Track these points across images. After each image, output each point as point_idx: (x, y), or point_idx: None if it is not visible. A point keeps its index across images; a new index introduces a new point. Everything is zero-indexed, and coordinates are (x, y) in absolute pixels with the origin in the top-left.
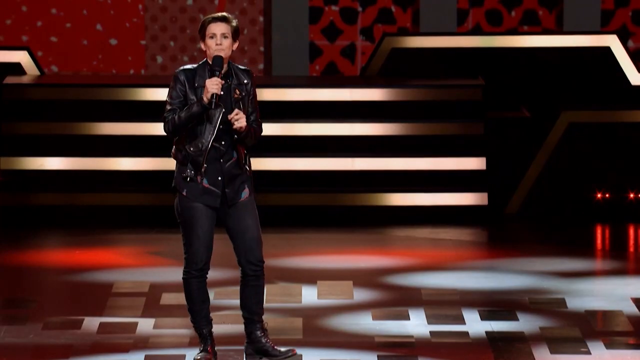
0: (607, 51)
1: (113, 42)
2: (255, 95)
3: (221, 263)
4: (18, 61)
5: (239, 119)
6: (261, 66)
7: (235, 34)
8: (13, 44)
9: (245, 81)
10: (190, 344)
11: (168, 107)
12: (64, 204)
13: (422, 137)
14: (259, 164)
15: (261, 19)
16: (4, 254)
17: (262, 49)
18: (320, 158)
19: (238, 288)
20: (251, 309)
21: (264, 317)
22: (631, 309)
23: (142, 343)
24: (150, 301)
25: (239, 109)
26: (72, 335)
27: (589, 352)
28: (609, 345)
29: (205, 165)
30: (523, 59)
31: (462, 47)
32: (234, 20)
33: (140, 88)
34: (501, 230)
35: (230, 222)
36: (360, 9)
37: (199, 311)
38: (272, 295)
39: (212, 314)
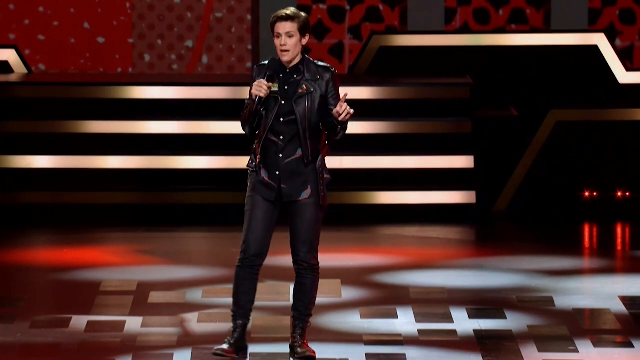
0: (594, 50)
1: (101, 40)
2: (337, 92)
3: (210, 261)
4: (5, 59)
5: (344, 112)
6: (249, 64)
7: (304, 29)
8: (0, 42)
9: (319, 77)
10: (178, 343)
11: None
12: (52, 203)
13: (410, 136)
14: (245, 163)
15: (249, 17)
16: None
17: (250, 47)
18: None
19: (226, 287)
20: (293, 303)
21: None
22: (619, 307)
23: (130, 342)
24: (138, 300)
25: (303, 104)
26: (60, 334)
27: (576, 351)
28: (597, 344)
29: (259, 156)
30: (511, 57)
31: (450, 46)
32: (300, 15)
33: (128, 86)
34: (489, 228)
35: (289, 219)
36: (348, 7)
37: (237, 302)
38: (261, 294)
39: (199, 312)
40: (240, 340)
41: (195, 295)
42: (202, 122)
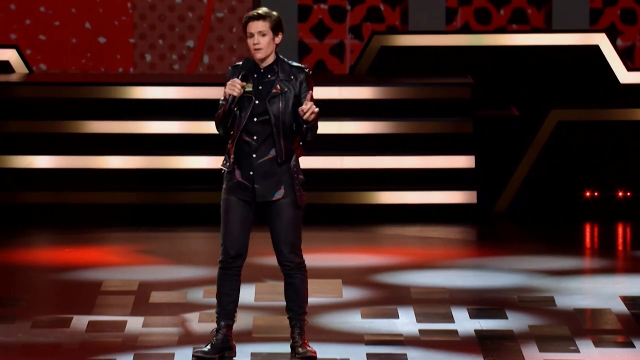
0: (596, 50)
1: (102, 40)
2: (310, 92)
3: (211, 261)
4: (7, 59)
5: (309, 111)
6: None
7: (276, 27)
8: (1, 42)
9: (293, 77)
10: (179, 343)
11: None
12: (53, 203)
13: (411, 136)
14: None
15: None
16: None
17: None
18: (309, 156)
19: None
20: (287, 304)
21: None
22: (620, 307)
23: (131, 342)
24: (139, 299)
25: (277, 104)
26: (61, 333)
27: (577, 351)
28: (598, 344)
29: (232, 157)
30: (512, 57)
31: (451, 46)
32: (272, 14)
33: (129, 86)
34: (490, 228)
35: (267, 221)
36: (349, 7)
37: (219, 303)
38: (262, 294)
39: (200, 312)
40: (223, 341)
41: (197, 295)
42: (203, 122)
